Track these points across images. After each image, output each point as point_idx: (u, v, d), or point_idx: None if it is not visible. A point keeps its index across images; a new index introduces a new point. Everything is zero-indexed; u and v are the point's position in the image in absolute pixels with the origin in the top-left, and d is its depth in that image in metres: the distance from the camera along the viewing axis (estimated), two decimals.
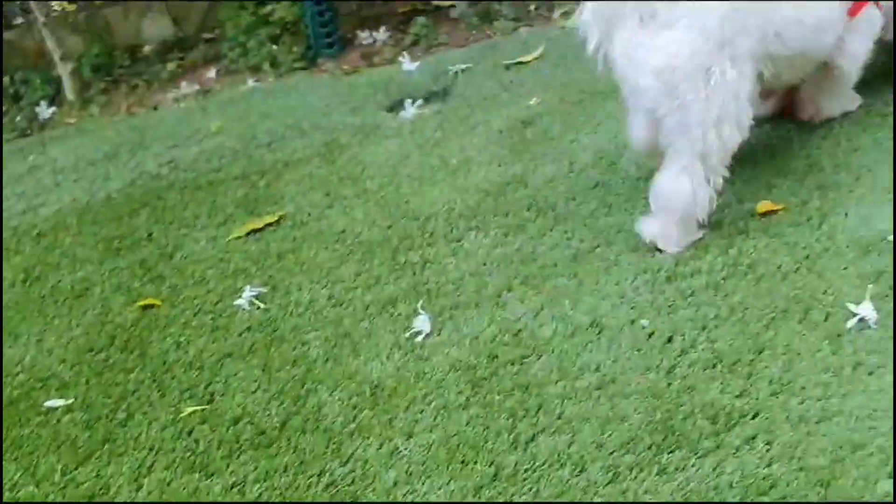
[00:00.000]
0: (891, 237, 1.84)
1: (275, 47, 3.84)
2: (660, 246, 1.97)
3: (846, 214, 1.94)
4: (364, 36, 3.94)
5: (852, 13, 2.08)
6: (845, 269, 1.80)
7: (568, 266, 2.02)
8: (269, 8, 3.90)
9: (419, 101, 3.02)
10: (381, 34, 3.92)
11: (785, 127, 2.34)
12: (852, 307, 1.67)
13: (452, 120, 2.88)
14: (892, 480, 1.35)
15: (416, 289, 2.05)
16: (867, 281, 1.73)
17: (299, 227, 2.42)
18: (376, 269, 2.15)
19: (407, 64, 3.40)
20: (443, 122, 2.87)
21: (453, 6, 4.00)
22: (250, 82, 3.66)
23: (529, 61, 3.20)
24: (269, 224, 2.46)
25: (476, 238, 2.20)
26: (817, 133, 2.27)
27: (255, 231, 2.44)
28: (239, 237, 2.44)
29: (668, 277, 1.90)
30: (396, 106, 3.04)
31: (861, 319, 1.65)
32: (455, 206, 2.36)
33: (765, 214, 2.01)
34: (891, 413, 1.46)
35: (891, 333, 1.62)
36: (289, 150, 2.86)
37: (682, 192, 1.90)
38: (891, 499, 1.34)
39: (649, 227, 1.99)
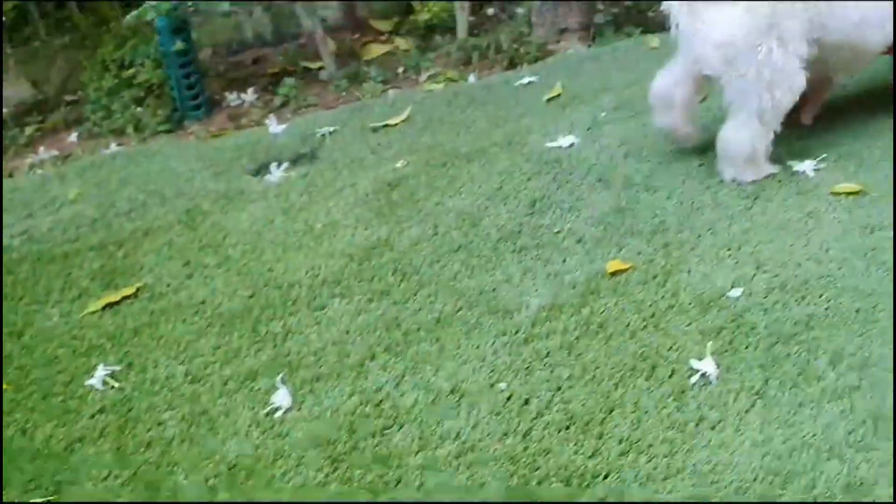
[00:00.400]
0: (730, 294, 1.94)
1: (139, 110, 3.76)
2: (740, 180, 2.33)
3: (689, 272, 2.04)
4: (232, 97, 3.92)
5: None
6: (688, 325, 1.88)
7: (431, 331, 2.04)
8: (132, 70, 3.83)
9: (285, 165, 3.01)
10: (250, 95, 3.91)
11: (634, 188, 2.45)
12: (695, 363, 1.75)
13: (319, 183, 2.88)
14: None
15: (276, 361, 2.02)
16: (708, 337, 1.82)
17: (157, 299, 2.35)
18: (236, 341, 2.11)
19: (274, 126, 3.39)
20: (309, 185, 2.87)
21: (322, 68, 4.04)
22: (113, 146, 3.56)
23: (396, 124, 3.25)
24: (127, 297, 2.37)
25: (340, 305, 2.19)
26: (662, 193, 2.39)
27: (111, 305, 2.35)
28: (94, 312, 2.35)
29: (526, 339, 1.94)
30: (262, 169, 3.02)
31: (703, 375, 1.73)
32: (319, 273, 2.35)
33: (615, 274, 2.09)
34: (732, 466, 1.53)
35: (730, 388, 1.70)
36: (149, 218, 2.79)
37: (741, 141, 2.27)
38: None
39: (726, 171, 2.35)
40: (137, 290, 2.39)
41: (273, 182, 2.92)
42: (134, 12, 3.73)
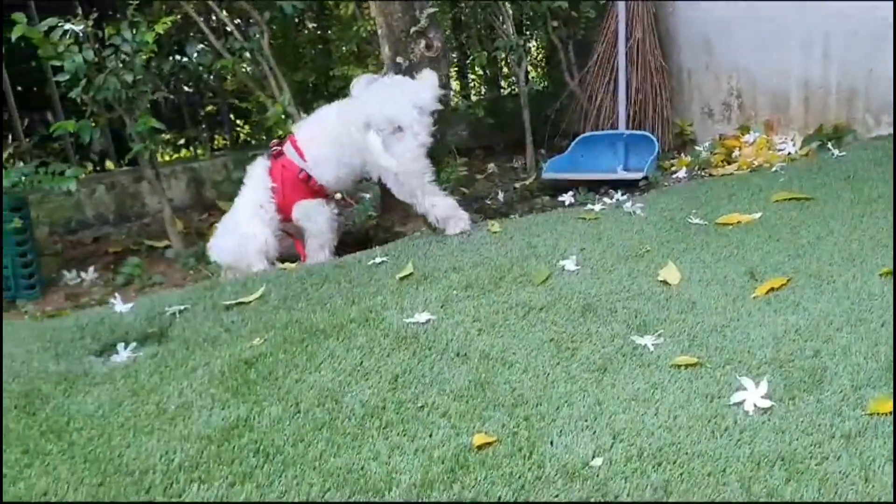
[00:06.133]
0: (592, 463, 2.03)
1: None
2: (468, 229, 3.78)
3: (551, 443, 2.12)
4: (70, 276, 3.78)
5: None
6: (556, 496, 1.93)
7: None
8: None
9: (133, 345, 2.90)
10: (90, 274, 3.79)
11: (490, 362, 2.55)
12: None
13: (170, 363, 2.79)
14: None
15: None
16: None
17: None
18: None
19: (119, 305, 3.28)
20: (159, 365, 2.77)
21: (168, 247, 3.99)
22: None
23: (251, 301, 3.24)
24: None
25: (198, 491, 2.08)
26: (518, 367, 2.51)
27: None
28: None
29: None
30: (108, 350, 2.89)
31: None
32: (175, 457, 2.23)
33: (481, 447, 2.13)
34: None
35: None
36: None
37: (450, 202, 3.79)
38: None
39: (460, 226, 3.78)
40: None
41: (120, 363, 2.80)
42: None
